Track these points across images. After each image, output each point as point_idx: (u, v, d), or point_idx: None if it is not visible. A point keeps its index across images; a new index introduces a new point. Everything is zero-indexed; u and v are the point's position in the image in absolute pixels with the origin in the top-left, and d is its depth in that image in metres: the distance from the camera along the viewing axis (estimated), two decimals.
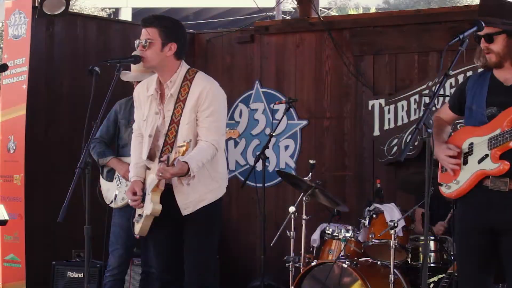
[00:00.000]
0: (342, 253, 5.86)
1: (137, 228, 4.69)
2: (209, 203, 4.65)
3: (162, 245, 4.76)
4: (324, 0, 25.90)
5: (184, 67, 4.70)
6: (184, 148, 4.31)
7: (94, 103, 4.61)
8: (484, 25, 4.05)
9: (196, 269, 4.66)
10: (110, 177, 5.92)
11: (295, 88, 7.59)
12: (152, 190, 4.57)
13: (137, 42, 4.64)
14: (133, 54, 4.96)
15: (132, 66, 5.75)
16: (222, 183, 4.76)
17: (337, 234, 5.96)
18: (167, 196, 4.58)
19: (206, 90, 4.60)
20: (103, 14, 22.09)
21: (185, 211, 4.60)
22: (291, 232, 6.13)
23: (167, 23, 4.65)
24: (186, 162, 4.43)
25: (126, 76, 5.71)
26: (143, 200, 4.65)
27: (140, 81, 5.11)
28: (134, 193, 4.66)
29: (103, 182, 5.98)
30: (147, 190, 4.65)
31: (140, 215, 4.67)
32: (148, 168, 4.69)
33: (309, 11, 7.68)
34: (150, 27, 4.61)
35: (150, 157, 4.66)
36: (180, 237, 4.70)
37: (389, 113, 7.03)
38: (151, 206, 4.55)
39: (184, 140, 4.43)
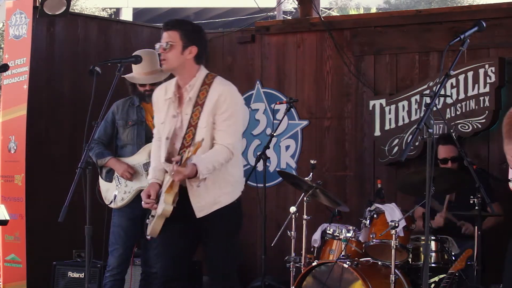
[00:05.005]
0: (343, 253, 5.85)
1: (149, 228, 4.70)
2: (224, 206, 4.70)
3: (172, 244, 4.74)
4: (325, 0, 25.89)
5: (203, 71, 4.74)
6: (195, 147, 4.33)
7: (95, 103, 4.63)
8: (484, 26, 4.03)
9: (217, 271, 4.73)
10: (109, 178, 5.92)
11: (296, 88, 7.58)
12: (166, 191, 4.58)
13: (157, 45, 4.67)
14: (133, 54, 4.98)
15: (135, 69, 5.77)
16: (238, 186, 4.82)
17: (338, 234, 5.96)
18: (183, 198, 4.61)
19: (224, 94, 4.65)
20: (104, 14, 22.09)
21: (199, 214, 4.64)
22: (292, 232, 6.12)
23: (188, 27, 4.71)
24: (195, 164, 4.45)
25: (134, 79, 5.76)
26: (157, 202, 4.66)
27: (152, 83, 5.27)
28: (149, 196, 4.67)
29: (102, 183, 5.98)
30: (162, 190, 4.67)
31: (153, 216, 4.68)
32: (167, 172, 4.71)
33: (310, 11, 7.67)
34: (172, 30, 4.66)
35: (168, 160, 4.68)
36: (192, 238, 4.75)
37: (390, 113, 7.01)
38: (162, 206, 4.57)
39: (197, 139, 4.47)
